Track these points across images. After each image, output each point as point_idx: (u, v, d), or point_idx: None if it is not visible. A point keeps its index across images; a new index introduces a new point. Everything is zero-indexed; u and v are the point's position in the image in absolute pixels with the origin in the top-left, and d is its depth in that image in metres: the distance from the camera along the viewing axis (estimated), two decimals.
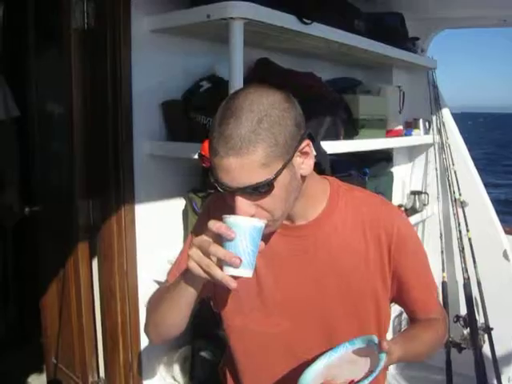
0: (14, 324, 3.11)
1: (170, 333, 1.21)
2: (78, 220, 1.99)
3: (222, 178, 0.97)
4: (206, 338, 2.00)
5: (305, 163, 1.05)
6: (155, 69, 1.91)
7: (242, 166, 0.94)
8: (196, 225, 1.32)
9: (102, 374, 2.14)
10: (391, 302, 1.26)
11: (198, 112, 1.85)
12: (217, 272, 0.94)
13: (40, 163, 2.36)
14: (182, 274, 1.06)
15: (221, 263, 0.94)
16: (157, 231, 1.97)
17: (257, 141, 0.93)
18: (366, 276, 1.16)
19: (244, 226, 0.94)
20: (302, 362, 1.15)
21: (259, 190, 0.97)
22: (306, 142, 1.03)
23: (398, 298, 1.24)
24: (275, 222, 1.05)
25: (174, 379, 2.08)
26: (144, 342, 1.99)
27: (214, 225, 0.94)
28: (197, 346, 2.03)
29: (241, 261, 0.93)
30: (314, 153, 1.08)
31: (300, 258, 1.16)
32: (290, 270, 1.17)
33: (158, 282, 1.78)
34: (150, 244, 1.95)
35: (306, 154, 1.04)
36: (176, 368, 2.07)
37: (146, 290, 1.84)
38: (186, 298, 1.08)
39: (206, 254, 0.94)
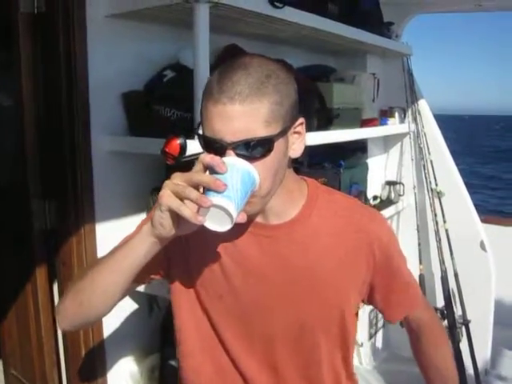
0: None
1: (94, 307, 1.03)
2: (32, 223, 1.83)
3: (216, 131, 0.89)
4: (175, 346, 1.87)
5: (296, 144, 1.00)
6: (114, 57, 1.76)
7: (246, 115, 0.88)
8: (147, 217, 1.16)
9: None
10: (365, 304, 1.20)
11: (162, 103, 1.72)
12: (192, 192, 0.83)
13: None
14: (133, 235, 0.97)
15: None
16: (119, 234, 1.80)
17: (265, 93, 0.89)
18: (343, 284, 1.08)
19: (238, 166, 0.88)
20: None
21: (255, 150, 0.90)
22: (301, 119, 0.99)
23: (378, 303, 1.18)
24: (257, 202, 0.95)
25: None
26: (109, 351, 1.87)
27: (206, 156, 0.86)
28: (166, 355, 1.91)
29: (226, 186, 0.83)
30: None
31: (272, 260, 1.06)
32: (260, 272, 1.06)
33: None
34: (111, 248, 1.79)
35: (298, 133, 0.99)
36: (144, 378, 1.95)
37: None
38: (132, 260, 0.96)
39: (188, 182, 0.85)
